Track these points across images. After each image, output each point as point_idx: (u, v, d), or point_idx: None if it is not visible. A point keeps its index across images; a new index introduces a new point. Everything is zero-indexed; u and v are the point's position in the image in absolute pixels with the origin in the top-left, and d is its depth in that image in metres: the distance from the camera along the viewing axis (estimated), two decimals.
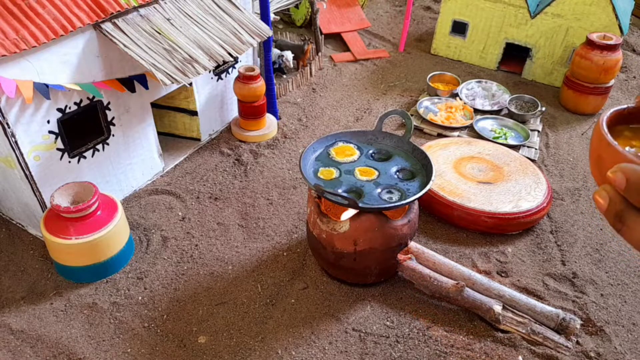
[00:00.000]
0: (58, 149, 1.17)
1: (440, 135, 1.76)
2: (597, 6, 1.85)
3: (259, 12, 1.62)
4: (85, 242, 1.10)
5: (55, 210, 1.09)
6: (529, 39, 2.04)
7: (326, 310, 1.12)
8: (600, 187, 0.41)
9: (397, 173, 1.13)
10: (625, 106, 0.51)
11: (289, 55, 2.05)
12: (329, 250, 1.11)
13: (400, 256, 1.15)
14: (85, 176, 1.27)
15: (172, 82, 1.15)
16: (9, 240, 1.28)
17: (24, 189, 1.17)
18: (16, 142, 1.06)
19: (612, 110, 0.50)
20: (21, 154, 1.09)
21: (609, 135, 0.45)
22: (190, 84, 1.50)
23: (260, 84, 1.60)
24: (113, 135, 1.30)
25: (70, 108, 1.16)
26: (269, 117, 1.74)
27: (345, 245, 1.08)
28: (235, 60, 1.66)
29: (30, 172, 1.12)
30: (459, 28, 2.20)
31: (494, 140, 1.69)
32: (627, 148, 0.49)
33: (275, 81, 1.80)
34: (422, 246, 1.23)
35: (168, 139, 1.65)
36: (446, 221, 1.37)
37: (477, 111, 1.87)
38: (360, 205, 1.01)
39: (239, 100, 1.64)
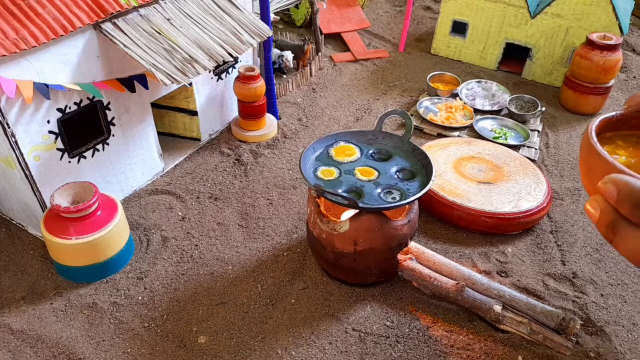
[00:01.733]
0: (58, 149, 1.17)
1: (440, 135, 1.76)
2: (597, 6, 1.85)
3: (259, 12, 1.62)
4: (85, 242, 1.10)
5: (55, 210, 1.09)
6: (529, 39, 2.04)
7: (326, 310, 1.12)
8: (592, 198, 0.41)
9: (397, 173, 1.13)
10: (613, 113, 0.50)
11: (289, 55, 2.05)
12: (329, 250, 1.11)
13: (400, 256, 1.15)
14: (85, 176, 1.27)
15: (172, 82, 1.15)
16: (9, 240, 1.28)
17: (24, 189, 1.17)
18: (16, 142, 1.06)
19: (600, 118, 0.49)
20: (21, 154, 1.09)
21: (598, 144, 0.44)
22: (190, 84, 1.50)
23: (260, 84, 1.60)
24: (113, 135, 1.30)
25: (70, 108, 1.16)
26: (269, 117, 1.74)
27: (345, 245, 1.08)
28: (235, 60, 1.66)
29: (30, 172, 1.12)
30: (459, 28, 2.20)
31: (494, 140, 1.69)
32: (615, 156, 0.48)
33: (275, 81, 1.80)
34: (422, 246, 1.23)
35: (168, 139, 1.65)
36: (446, 221, 1.37)
37: (477, 111, 1.87)
38: (360, 205, 1.01)
39: (239, 100, 1.64)
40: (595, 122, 0.48)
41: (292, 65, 2.07)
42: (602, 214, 0.39)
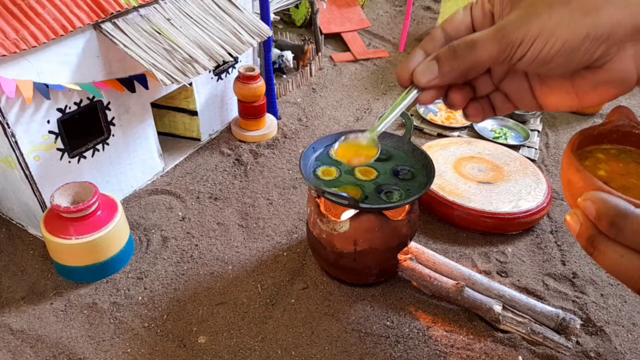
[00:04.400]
0: (58, 149, 1.17)
1: (440, 135, 1.76)
2: None
3: (259, 12, 1.62)
4: (85, 242, 1.10)
5: (55, 210, 1.09)
6: None
7: (326, 310, 1.12)
8: (572, 212, 0.42)
9: (397, 173, 1.13)
10: (594, 127, 0.50)
11: (289, 55, 2.05)
12: (329, 250, 1.11)
13: (400, 256, 1.15)
14: (85, 176, 1.27)
15: (172, 82, 1.15)
16: (9, 240, 1.28)
17: (24, 189, 1.17)
18: (16, 142, 1.06)
19: (580, 131, 0.49)
20: (21, 154, 1.09)
21: (576, 160, 0.44)
22: (190, 84, 1.50)
23: (260, 84, 1.60)
24: (113, 135, 1.31)
25: (70, 108, 1.16)
26: (269, 117, 1.74)
27: (345, 245, 1.08)
28: (235, 60, 1.66)
29: (30, 172, 1.12)
30: None
31: (494, 140, 1.69)
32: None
33: (275, 81, 1.80)
34: (422, 246, 1.23)
35: (168, 139, 1.65)
36: (446, 221, 1.37)
37: None
38: (360, 205, 1.01)
39: (239, 100, 1.65)
40: (576, 136, 0.48)
41: (292, 65, 2.07)
42: (582, 228, 0.41)
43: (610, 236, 0.39)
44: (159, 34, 1.21)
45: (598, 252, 0.40)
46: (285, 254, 1.27)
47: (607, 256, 0.39)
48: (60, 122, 1.15)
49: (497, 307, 1.07)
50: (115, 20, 1.15)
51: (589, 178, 0.42)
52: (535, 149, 1.69)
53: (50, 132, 1.13)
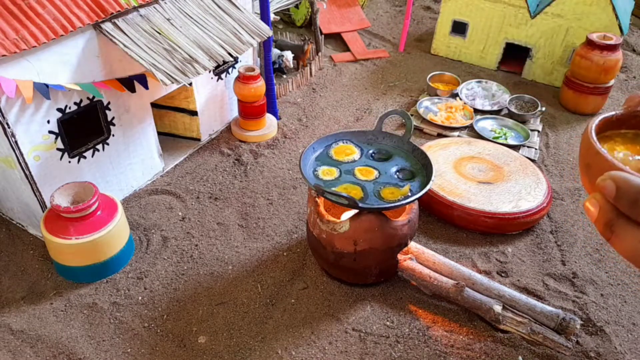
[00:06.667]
0: (58, 149, 1.17)
1: (440, 135, 1.76)
2: (597, 6, 1.85)
3: (259, 12, 1.62)
4: (85, 242, 1.10)
5: (55, 210, 1.09)
6: (529, 39, 2.04)
7: (326, 310, 1.12)
8: (591, 195, 0.41)
9: (397, 173, 1.13)
10: (613, 113, 0.50)
11: (289, 55, 2.05)
12: (329, 250, 1.11)
13: (400, 256, 1.15)
14: (85, 176, 1.27)
15: (172, 82, 1.15)
16: (9, 240, 1.28)
17: (24, 189, 1.17)
18: (16, 142, 1.06)
19: (600, 117, 0.50)
20: (21, 154, 1.09)
21: (597, 143, 0.44)
22: (190, 84, 1.50)
23: (260, 84, 1.60)
24: (113, 135, 1.31)
25: (70, 108, 1.16)
26: (269, 117, 1.74)
27: (345, 245, 1.08)
28: (235, 60, 1.66)
29: (30, 172, 1.12)
30: (459, 28, 2.20)
31: (494, 140, 1.69)
32: (615, 153, 0.48)
33: (275, 81, 1.80)
34: (422, 246, 1.23)
35: (168, 139, 1.65)
36: (446, 221, 1.37)
37: (477, 111, 1.87)
38: (360, 205, 1.01)
39: (239, 100, 1.65)
40: (595, 121, 0.48)
41: (292, 65, 2.07)
42: (601, 211, 0.39)
43: (631, 216, 0.37)
44: (159, 34, 1.21)
45: (616, 237, 0.39)
46: (285, 254, 1.27)
47: (626, 241, 0.38)
48: (60, 122, 1.15)
49: (497, 307, 1.07)
50: (115, 20, 1.15)
51: (608, 160, 0.41)
52: (535, 149, 1.69)
53: (50, 132, 1.13)
